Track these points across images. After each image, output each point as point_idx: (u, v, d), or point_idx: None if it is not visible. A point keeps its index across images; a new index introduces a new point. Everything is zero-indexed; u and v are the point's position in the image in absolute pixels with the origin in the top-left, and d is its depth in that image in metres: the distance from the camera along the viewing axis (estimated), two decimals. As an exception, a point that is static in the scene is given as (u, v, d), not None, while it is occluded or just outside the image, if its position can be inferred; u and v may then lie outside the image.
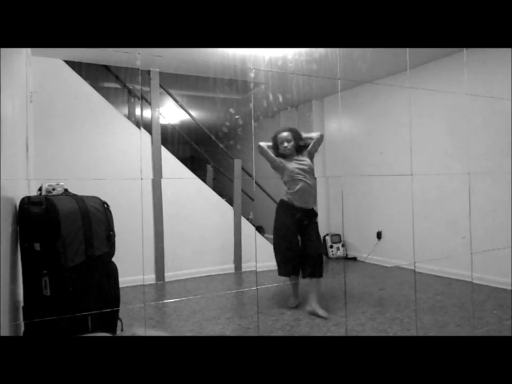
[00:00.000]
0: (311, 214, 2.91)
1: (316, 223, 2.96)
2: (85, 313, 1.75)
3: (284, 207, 2.90)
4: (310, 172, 2.88)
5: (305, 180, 2.83)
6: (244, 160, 4.45)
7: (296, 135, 2.91)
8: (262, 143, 2.94)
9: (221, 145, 4.54)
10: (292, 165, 2.86)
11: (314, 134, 2.99)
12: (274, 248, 2.94)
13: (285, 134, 2.88)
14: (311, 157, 2.98)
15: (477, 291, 3.14)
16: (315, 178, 2.94)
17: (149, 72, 3.78)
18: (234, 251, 4.15)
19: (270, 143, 2.96)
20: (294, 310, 2.82)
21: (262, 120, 5.78)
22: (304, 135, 2.98)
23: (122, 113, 3.92)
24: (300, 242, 2.89)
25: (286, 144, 2.86)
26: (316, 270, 2.77)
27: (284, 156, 2.92)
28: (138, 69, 3.74)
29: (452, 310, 2.70)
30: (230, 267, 4.13)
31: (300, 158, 2.90)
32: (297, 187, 2.83)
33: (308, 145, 2.94)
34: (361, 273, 4.02)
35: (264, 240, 4.42)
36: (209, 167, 5.39)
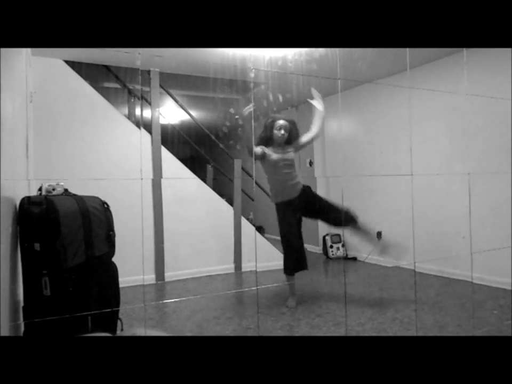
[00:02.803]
0: (305, 193, 2.94)
1: (316, 196, 3.01)
2: (85, 313, 1.75)
3: (277, 209, 2.98)
4: (291, 164, 2.90)
5: (285, 172, 2.87)
6: (244, 160, 4.45)
7: (293, 129, 2.92)
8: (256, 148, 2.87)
9: (221, 145, 4.54)
10: (275, 156, 2.86)
11: (311, 135, 2.96)
12: (283, 246, 3.02)
13: (285, 123, 2.88)
14: (296, 150, 2.99)
15: (477, 291, 3.14)
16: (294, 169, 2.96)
17: (149, 72, 3.78)
18: (234, 251, 4.15)
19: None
20: (294, 310, 2.82)
21: (262, 120, 5.77)
22: (303, 139, 2.97)
23: (122, 113, 3.92)
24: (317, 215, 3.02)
25: (283, 131, 2.87)
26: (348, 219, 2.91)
27: (271, 143, 2.92)
28: (138, 69, 3.74)
29: (452, 310, 2.70)
30: (230, 267, 4.13)
31: (285, 149, 2.92)
32: (276, 183, 2.91)
33: (297, 137, 2.96)
34: (361, 273, 4.02)
35: (264, 240, 4.42)
36: (209, 167, 5.39)
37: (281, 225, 2.94)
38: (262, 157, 2.87)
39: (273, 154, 2.87)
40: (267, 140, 2.93)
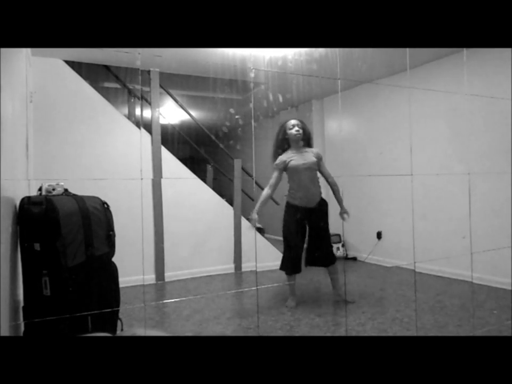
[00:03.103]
0: (319, 208, 2.93)
1: (326, 215, 2.99)
2: (85, 313, 1.75)
3: (288, 208, 2.97)
4: (312, 168, 2.89)
5: (307, 177, 2.86)
6: (244, 160, 4.45)
7: (305, 127, 2.94)
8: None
9: (221, 145, 4.54)
10: (294, 161, 2.86)
11: (334, 180, 3.00)
12: (283, 245, 3.02)
13: (296, 121, 2.91)
14: (318, 165, 2.96)
15: (477, 291, 3.14)
16: (316, 172, 2.97)
17: (149, 72, 3.78)
18: (234, 251, 4.15)
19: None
20: (294, 310, 2.82)
21: (262, 120, 5.78)
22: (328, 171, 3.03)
23: (122, 113, 3.92)
24: (310, 237, 2.99)
25: (297, 128, 2.87)
26: (327, 260, 2.97)
27: (288, 145, 2.91)
28: (138, 69, 3.74)
29: (452, 310, 2.70)
30: (230, 267, 4.13)
31: (304, 152, 2.91)
32: (299, 186, 2.87)
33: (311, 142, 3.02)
34: (361, 273, 4.02)
35: (264, 240, 4.42)
36: (209, 167, 5.39)
37: (285, 225, 2.95)
38: (285, 167, 2.87)
39: (293, 159, 2.86)
40: (284, 142, 2.92)
